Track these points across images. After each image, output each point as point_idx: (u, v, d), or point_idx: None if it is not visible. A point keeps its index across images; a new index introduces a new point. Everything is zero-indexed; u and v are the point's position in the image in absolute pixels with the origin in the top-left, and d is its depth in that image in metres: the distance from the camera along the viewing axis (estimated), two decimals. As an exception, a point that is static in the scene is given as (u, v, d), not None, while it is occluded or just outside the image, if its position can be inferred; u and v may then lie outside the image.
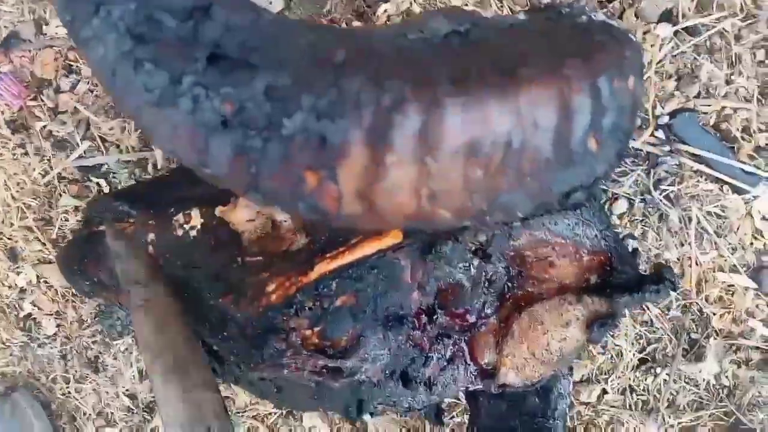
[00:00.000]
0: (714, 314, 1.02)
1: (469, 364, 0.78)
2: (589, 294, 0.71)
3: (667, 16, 0.92)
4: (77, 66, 0.93)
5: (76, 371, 1.05)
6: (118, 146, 0.96)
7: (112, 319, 1.00)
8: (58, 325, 1.04)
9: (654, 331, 1.03)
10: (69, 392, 1.05)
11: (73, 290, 1.01)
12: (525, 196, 0.42)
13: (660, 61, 0.93)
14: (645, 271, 0.76)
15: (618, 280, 0.70)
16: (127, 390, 1.06)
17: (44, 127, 0.95)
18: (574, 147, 0.42)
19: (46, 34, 0.92)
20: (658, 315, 1.02)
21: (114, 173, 0.96)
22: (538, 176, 0.41)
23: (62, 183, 0.98)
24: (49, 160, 0.97)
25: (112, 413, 1.06)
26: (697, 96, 0.94)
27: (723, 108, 0.95)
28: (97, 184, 0.97)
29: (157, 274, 0.75)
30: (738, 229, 0.99)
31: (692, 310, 1.03)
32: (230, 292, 0.69)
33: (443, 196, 0.39)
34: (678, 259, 1.00)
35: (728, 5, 0.91)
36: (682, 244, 1.00)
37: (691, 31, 0.92)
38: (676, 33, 0.92)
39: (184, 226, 0.76)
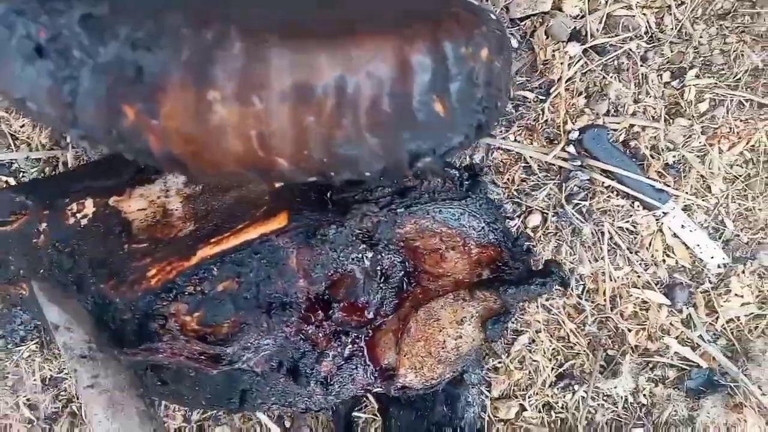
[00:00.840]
0: (629, 330, 1.02)
1: (368, 365, 0.77)
2: (480, 288, 0.71)
3: (576, 36, 0.95)
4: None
5: (-29, 380, 1.00)
6: (28, 144, 0.94)
7: (14, 324, 0.96)
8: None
9: (571, 347, 1.03)
10: (-37, 403, 1.00)
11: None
12: (368, 153, 0.42)
13: (570, 78, 0.96)
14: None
15: (509, 275, 0.70)
16: (28, 400, 1.01)
17: (-50, 123, 0.93)
18: (415, 105, 0.42)
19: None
20: (574, 330, 1.02)
21: (23, 171, 0.95)
22: (379, 131, 0.42)
23: (-31, 184, 0.96)
24: (-44, 156, 0.95)
25: (10, 425, 1.01)
26: (607, 113, 0.97)
27: (631, 126, 0.97)
28: (6, 182, 0.95)
29: (102, 333, 0.72)
30: (650, 245, 1.01)
31: (608, 326, 1.03)
32: (112, 277, 0.67)
33: (276, 142, 0.39)
34: (592, 274, 1.01)
35: (633, 27, 0.95)
36: (596, 259, 1.01)
37: (600, 50, 0.96)
38: (585, 52, 0.96)
39: (77, 214, 0.75)
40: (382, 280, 0.73)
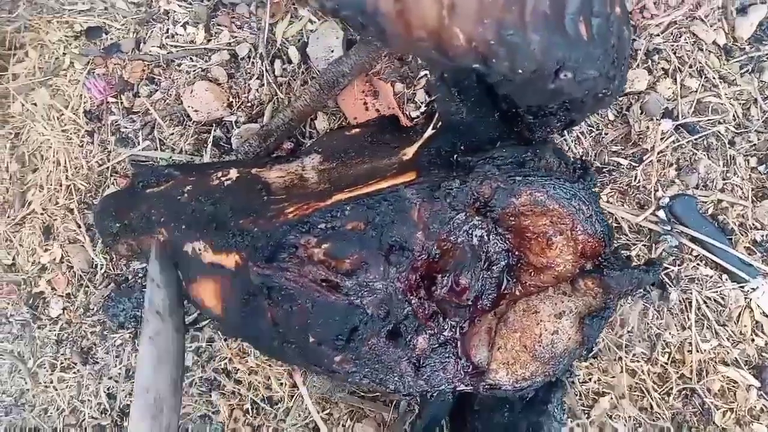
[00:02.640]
0: (717, 408, 0.99)
1: (460, 358, 0.78)
2: (582, 277, 0.74)
3: (669, 114, 1.05)
4: (158, 79, 1.09)
5: (65, 359, 1.04)
6: (173, 149, 1.07)
7: (117, 309, 1.03)
8: (63, 308, 1.06)
9: (654, 420, 1.00)
10: (51, 381, 1.04)
11: (89, 274, 1.05)
12: (526, 46, 0.51)
13: (662, 150, 1.04)
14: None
15: (611, 269, 0.73)
16: (108, 389, 1.04)
17: (115, 122, 1.08)
18: (567, 20, 0.52)
19: (141, 50, 1.10)
20: (659, 400, 1.00)
21: (162, 171, 1.06)
22: (538, 28, 0.51)
23: (114, 176, 1.08)
24: (109, 152, 1.08)
25: (84, 413, 1.03)
26: (696, 186, 1.03)
27: (720, 201, 1.03)
28: (144, 181, 1.07)
29: (180, 308, 0.86)
30: (738, 319, 1.01)
31: (694, 401, 1.00)
32: (251, 215, 0.74)
33: (461, 11, 0.49)
34: (679, 343, 1.01)
35: (721, 112, 1.05)
36: (684, 328, 1.01)
37: (690, 129, 1.05)
38: (676, 129, 1.05)
39: (221, 178, 0.84)
40: (485, 265, 0.77)
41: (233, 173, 0.84)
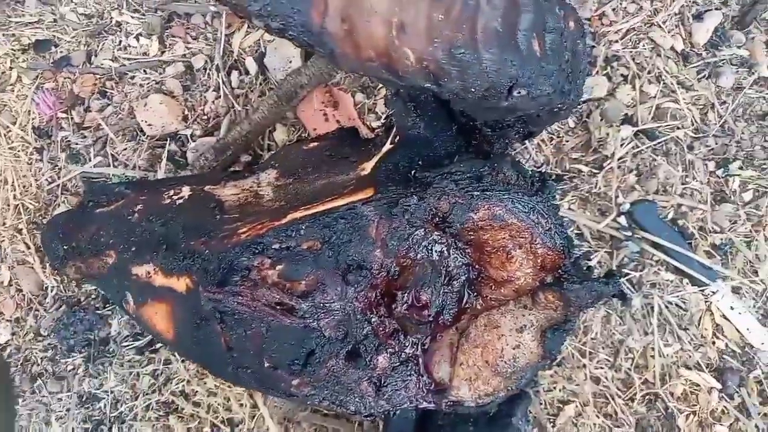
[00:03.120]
0: (680, 412, 1.00)
1: (422, 375, 0.77)
2: (543, 291, 0.73)
3: (629, 120, 1.06)
4: (111, 93, 1.06)
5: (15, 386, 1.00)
6: (126, 165, 1.04)
7: (68, 332, 0.99)
8: (12, 334, 1.02)
9: (618, 426, 1.00)
10: None
11: (39, 297, 1.02)
12: (478, 64, 0.50)
13: (622, 157, 1.04)
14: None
15: (571, 281, 0.73)
16: (58, 417, 1.00)
17: (65, 138, 1.04)
18: (519, 37, 0.51)
19: (93, 63, 1.06)
20: (623, 407, 1.00)
21: (116, 187, 1.03)
22: (489, 46, 0.50)
23: (64, 194, 1.04)
24: (60, 169, 1.04)
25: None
26: (656, 192, 1.04)
27: (680, 205, 1.04)
28: (96, 196, 1.03)
29: None
30: (699, 323, 1.02)
31: (657, 406, 1.01)
32: (203, 236, 0.72)
33: (410, 31, 0.47)
34: (642, 348, 1.01)
35: (680, 117, 1.06)
36: (646, 333, 1.01)
37: (650, 135, 1.05)
38: (636, 135, 1.05)
39: (173, 196, 0.82)
40: (446, 281, 0.76)
41: (186, 191, 0.81)
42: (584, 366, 1.00)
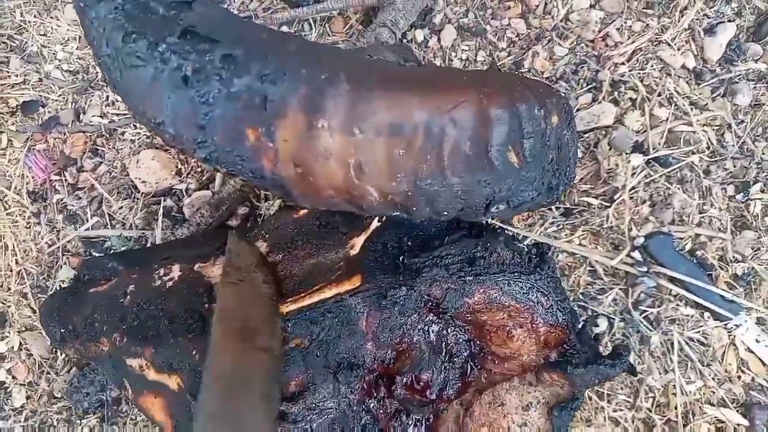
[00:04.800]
0: (705, 453, 0.96)
1: (427, 452, 0.75)
2: (547, 370, 0.70)
3: (639, 148, 1.00)
4: (102, 150, 1.04)
5: (32, 451, 1.01)
6: (123, 224, 1.03)
7: (80, 394, 0.99)
8: (27, 397, 1.02)
9: (641, 467, 0.97)
10: (19, 475, 1.01)
11: (50, 360, 1.02)
12: (448, 191, 0.46)
13: (633, 187, 0.99)
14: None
15: (577, 359, 0.69)
16: (78, 478, 1.01)
17: (61, 200, 1.03)
18: (492, 153, 0.47)
19: (82, 121, 1.04)
20: (645, 449, 0.97)
21: (114, 249, 1.02)
22: (458, 171, 0.46)
23: (65, 255, 1.04)
24: (58, 231, 1.03)
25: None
26: (672, 222, 0.99)
27: (698, 235, 0.98)
28: (97, 258, 1.02)
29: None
30: (723, 358, 0.97)
31: (681, 446, 0.97)
32: (191, 332, 0.70)
33: (370, 169, 0.44)
34: (662, 387, 0.97)
35: (694, 141, 0.99)
36: (666, 371, 0.97)
37: (662, 162, 1.00)
38: (648, 163, 1.00)
39: (163, 277, 0.80)
40: (446, 358, 0.73)
41: (176, 271, 0.79)
42: (603, 408, 0.97)
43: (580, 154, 1.01)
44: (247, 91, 0.43)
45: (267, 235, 0.81)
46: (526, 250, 0.68)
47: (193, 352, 0.68)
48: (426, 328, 0.70)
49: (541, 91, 0.53)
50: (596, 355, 0.70)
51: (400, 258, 0.67)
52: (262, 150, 0.44)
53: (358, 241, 0.73)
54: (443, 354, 0.72)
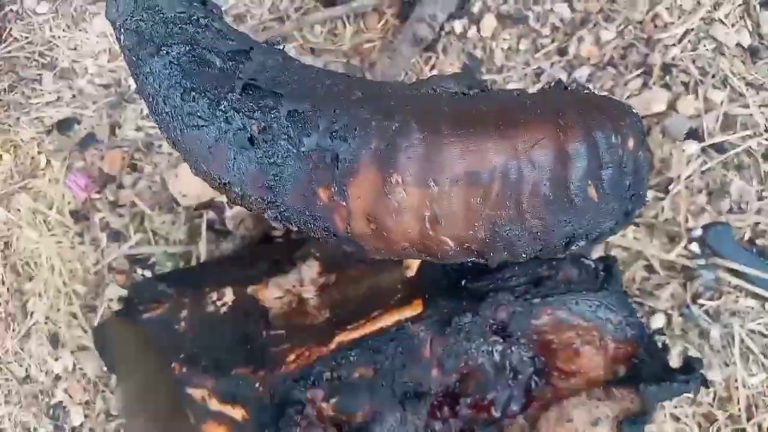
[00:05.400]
0: (771, 446, 0.94)
1: (494, 469, 0.74)
2: (617, 387, 0.68)
3: (694, 134, 0.96)
4: (141, 165, 1.03)
5: (94, 467, 1.03)
6: (166, 240, 1.02)
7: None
8: (85, 416, 1.04)
9: (705, 464, 0.96)
10: (85, 490, 1.03)
11: (104, 379, 1.03)
12: (526, 233, 0.44)
13: (689, 176, 0.95)
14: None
15: (646, 373, 0.67)
16: (143, 492, 1.03)
17: (103, 218, 1.03)
18: (572, 190, 0.44)
19: (117, 136, 1.03)
20: (708, 446, 0.95)
21: (160, 265, 1.02)
22: (538, 213, 0.43)
23: (111, 273, 1.04)
24: (102, 250, 1.03)
25: None
26: (729, 211, 0.95)
27: (757, 224, 0.94)
28: (143, 275, 1.02)
29: None
30: (786, 349, 0.95)
31: (745, 440, 0.95)
32: (250, 362, 0.69)
33: (446, 221, 0.41)
34: (724, 380, 0.95)
35: (752, 125, 0.95)
36: (727, 364, 0.95)
37: (718, 148, 0.95)
38: (703, 150, 0.95)
39: (216, 302, 0.79)
40: (511, 375, 0.71)
41: (229, 295, 0.78)
42: (663, 406, 0.95)
43: (630, 145, 0.97)
44: (317, 149, 0.41)
45: (317, 253, 0.80)
46: (593, 266, 0.66)
47: (257, 385, 0.67)
48: (490, 348, 0.69)
49: (616, 113, 0.50)
50: (665, 368, 0.68)
51: (462, 281, 0.65)
52: (335, 209, 0.42)
53: (415, 262, 0.71)
54: (507, 372, 0.71)
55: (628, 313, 0.66)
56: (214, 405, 0.72)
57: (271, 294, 0.77)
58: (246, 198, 0.45)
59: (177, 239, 1.01)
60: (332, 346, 0.66)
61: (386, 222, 0.41)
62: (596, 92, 0.58)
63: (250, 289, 0.79)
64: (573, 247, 0.47)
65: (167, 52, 0.44)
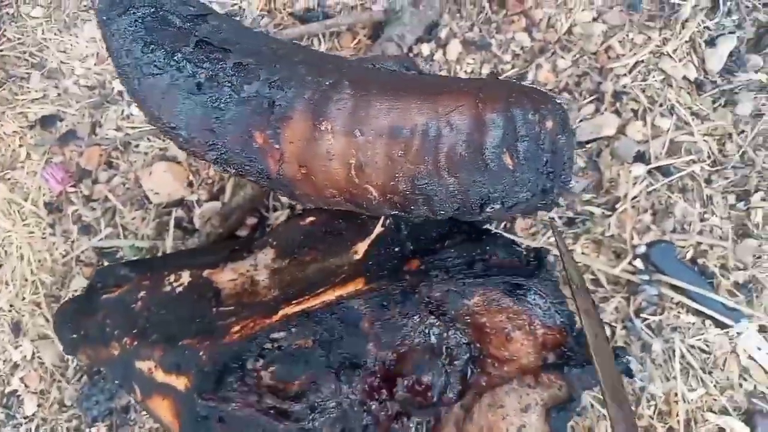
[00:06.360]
0: (708, 460, 0.96)
1: (428, 456, 0.76)
2: (545, 371, 0.71)
3: (641, 158, 1.01)
4: (117, 163, 1.07)
5: (43, 457, 1.03)
6: (135, 235, 1.05)
7: (90, 402, 1.02)
8: (38, 405, 1.05)
9: (645, 476, 0.98)
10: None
11: (62, 369, 1.04)
12: (445, 190, 0.48)
13: (636, 196, 1.01)
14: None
15: (574, 361, 0.71)
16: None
17: (76, 211, 1.06)
18: (487, 155, 0.49)
19: (97, 135, 1.08)
20: (649, 457, 0.97)
21: (126, 258, 1.05)
22: (454, 171, 0.48)
23: (79, 265, 1.06)
24: (72, 242, 1.06)
25: None
26: (673, 231, 1.00)
27: (699, 243, 0.99)
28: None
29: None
30: (725, 365, 0.98)
31: (684, 454, 0.97)
32: (198, 333, 0.72)
33: (370, 170, 0.46)
34: (664, 394, 0.98)
35: (696, 151, 1.01)
36: (668, 379, 0.98)
37: (664, 171, 1.01)
38: (649, 172, 1.01)
39: (173, 283, 0.82)
40: (447, 361, 0.74)
41: (185, 277, 0.82)
42: (605, 417, 0.98)
43: (582, 164, 1.03)
44: (257, 96, 0.46)
45: (274, 242, 0.83)
46: (524, 253, 0.70)
47: (200, 354, 0.70)
48: (427, 330, 0.72)
49: (537, 97, 0.55)
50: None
51: (402, 262, 0.69)
52: (269, 151, 0.47)
53: (362, 247, 0.75)
54: (444, 357, 0.74)
55: (557, 301, 0.70)
56: (160, 376, 0.75)
57: (226, 276, 0.81)
58: (191, 141, 0.50)
59: (145, 234, 1.05)
60: (275, 318, 0.69)
61: (316, 167, 0.46)
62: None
63: (206, 272, 0.82)
64: (488, 209, 0.51)
65: (134, 13, 0.49)
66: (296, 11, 1.06)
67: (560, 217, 1.01)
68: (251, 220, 1.03)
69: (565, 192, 0.76)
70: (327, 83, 0.45)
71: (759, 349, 0.98)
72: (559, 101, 0.59)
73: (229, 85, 0.46)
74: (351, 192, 0.47)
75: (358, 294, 0.68)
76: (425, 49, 1.07)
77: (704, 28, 1.04)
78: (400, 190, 0.47)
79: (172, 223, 1.03)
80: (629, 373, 0.72)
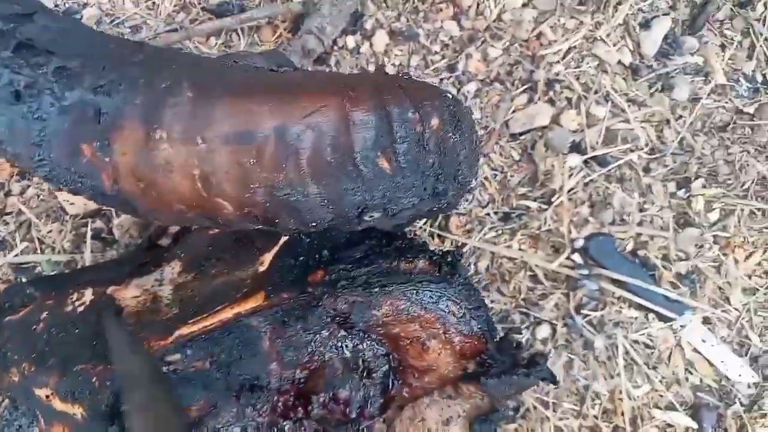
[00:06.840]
0: (656, 458, 0.93)
1: (351, 474, 0.72)
2: (464, 382, 0.67)
3: (576, 148, 0.98)
4: (29, 173, 1.01)
5: (-34, 486, 0.98)
6: (53, 248, 1.00)
7: (12, 427, 0.96)
8: (-41, 432, 0.99)
9: (592, 476, 0.94)
10: None
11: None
12: (311, 200, 0.44)
13: (572, 188, 0.97)
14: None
15: (496, 370, 0.67)
16: None
17: (-12, 226, 1.01)
18: (359, 159, 0.45)
19: (7, 144, 1.02)
20: (595, 456, 0.94)
21: (45, 274, 0.99)
22: (320, 179, 0.43)
23: (-5, 283, 1.01)
24: (-13, 258, 1.01)
25: None
26: (612, 223, 0.96)
27: (639, 235, 0.96)
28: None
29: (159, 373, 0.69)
30: (669, 360, 0.95)
31: (631, 452, 0.94)
32: (93, 358, 0.68)
33: (218, 181, 0.41)
34: (609, 392, 0.94)
35: (632, 138, 0.97)
36: (612, 376, 0.95)
37: (601, 161, 0.97)
38: (585, 163, 0.97)
39: (75, 302, 0.77)
40: (364, 374, 0.70)
41: (88, 295, 0.77)
42: (548, 418, 0.94)
43: (517, 157, 0.99)
44: (80, 104, 0.41)
45: (182, 254, 0.79)
46: (436, 256, 0.66)
47: (93, 380, 0.65)
48: (339, 344, 0.68)
49: (419, 93, 0.51)
50: (514, 365, 0.67)
51: (307, 273, 0.64)
52: (100, 166, 0.42)
53: (268, 257, 0.70)
54: (360, 370, 0.70)
55: (473, 307, 0.66)
56: (57, 404, 0.70)
57: (130, 293, 0.76)
58: (17, 157, 0.45)
59: (62, 248, 0.99)
60: (170, 339, 0.64)
61: (155, 180, 0.41)
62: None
63: (110, 290, 0.77)
64: (367, 218, 0.47)
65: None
66: (210, 5, 1.01)
67: (495, 213, 0.97)
68: (174, 228, 0.98)
69: (466, 192, 0.72)
70: (162, 86, 0.40)
71: (704, 341, 0.95)
72: (450, 95, 0.55)
73: (50, 92, 0.42)
74: (201, 206, 0.43)
75: (257, 310, 0.64)
76: (350, 41, 1.02)
77: (638, 10, 1.00)
78: (258, 201, 0.43)
79: (89, 234, 0.98)
80: (552, 380, 0.68)
